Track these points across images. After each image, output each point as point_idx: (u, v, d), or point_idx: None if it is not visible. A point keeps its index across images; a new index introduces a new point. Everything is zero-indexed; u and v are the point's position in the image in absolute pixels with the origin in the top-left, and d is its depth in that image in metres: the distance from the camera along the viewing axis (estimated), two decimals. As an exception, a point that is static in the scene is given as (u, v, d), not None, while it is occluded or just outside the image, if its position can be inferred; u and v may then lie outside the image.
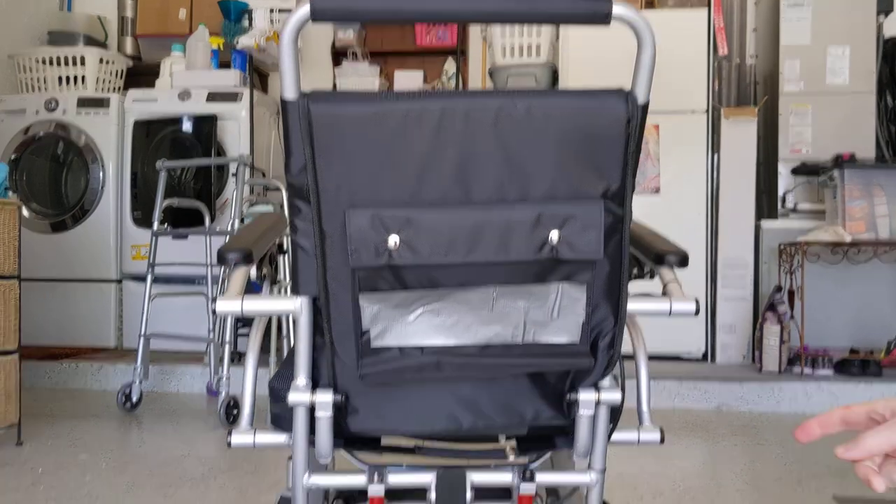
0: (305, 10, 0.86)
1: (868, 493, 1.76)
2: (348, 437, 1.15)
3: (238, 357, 3.83)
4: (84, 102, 4.65)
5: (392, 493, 1.11)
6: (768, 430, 3.34)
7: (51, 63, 4.83)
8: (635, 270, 1.18)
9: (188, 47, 4.71)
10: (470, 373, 1.00)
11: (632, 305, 1.04)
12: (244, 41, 4.38)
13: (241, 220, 3.70)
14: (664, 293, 1.07)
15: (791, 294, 4.05)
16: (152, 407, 3.67)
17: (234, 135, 4.44)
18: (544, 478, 1.11)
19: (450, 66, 5.32)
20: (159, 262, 3.65)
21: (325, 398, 1.02)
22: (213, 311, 0.98)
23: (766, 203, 4.57)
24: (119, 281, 4.64)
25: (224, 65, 4.76)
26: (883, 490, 0.65)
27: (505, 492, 1.22)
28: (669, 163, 4.23)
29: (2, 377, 2.88)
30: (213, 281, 3.67)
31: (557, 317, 1.00)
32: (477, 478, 1.10)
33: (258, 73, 5.21)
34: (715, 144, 4.28)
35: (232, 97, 4.48)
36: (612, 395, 1.04)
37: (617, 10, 0.88)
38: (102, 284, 4.64)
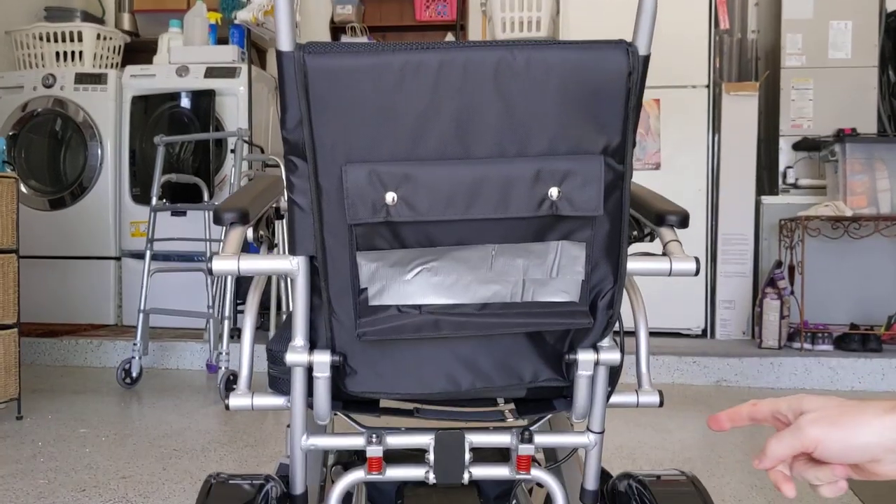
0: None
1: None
2: (346, 400, 1.14)
3: (237, 333, 3.83)
4: (82, 78, 4.63)
5: (390, 456, 1.11)
6: (768, 404, 3.34)
7: (48, 39, 4.80)
8: (635, 232, 1.17)
9: (186, 22, 4.68)
10: (468, 331, 0.99)
11: (632, 265, 1.03)
12: (242, 16, 4.35)
13: (240, 196, 3.68)
14: (664, 253, 1.06)
15: (791, 269, 4.04)
16: (152, 383, 3.68)
17: (233, 111, 4.42)
18: (543, 439, 1.11)
19: (449, 40, 5.28)
20: (158, 238, 3.64)
21: (322, 359, 1.02)
22: (210, 271, 0.97)
23: (767, 179, 4.56)
24: (118, 258, 4.64)
25: (222, 40, 4.73)
26: (793, 496, 0.67)
27: (503, 455, 1.22)
28: (670, 138, 4.20)
29: (1, 351, 2.88)
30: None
31: (556, 275, 0.99)
32: (475, 439, 1.09)
33: (256, 49, 5.18)
34: (716, 120, 4.26)
35: (230, 73, 4.46)
36: (610, 356, 1.03)
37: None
38: (102, 261, 4.64)
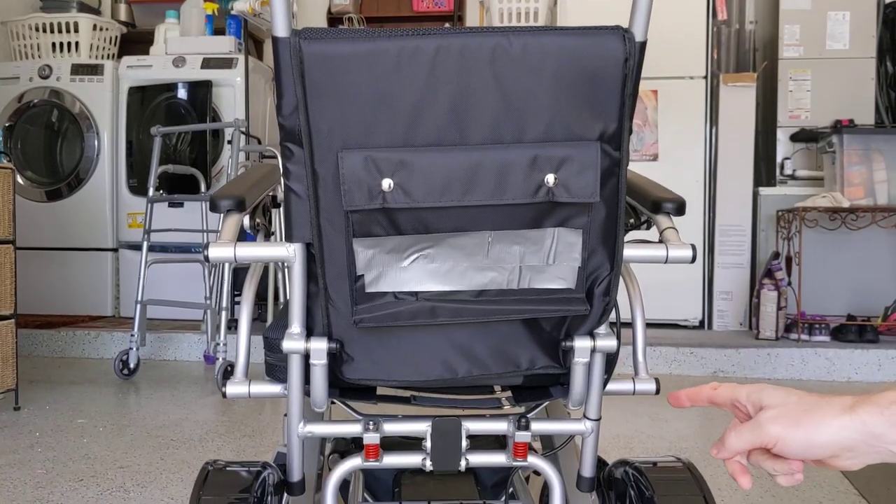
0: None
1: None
2: (343, 388, 1.14)
3: (235, 324, 3.83)
4: (78, 69, 4.61)
5: (387, 443, 1.11)
6: (764, 394, 3.35)
7: (44, 30, 4.79)
8: (632, 220, 1.17)
9: (182, 13, 4.67)
10: (465, 318, 0.99)
11: (628, 252, 1.03)
12: (239, 6, 4.33)
13: (237, 187, 3.68)
14: (660, 241, 1.06)
15: (788, 260, 4.05)
16: (149, 374, 3.68)
17: (230, 101, 4.41)
18: (539, 426, 1.11)
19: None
20: (155, 229, 3.64)
21: (319, 346, 1.02)
22: (206, 258, 0.97)
23: (765, 170, 4.56)
24: (115, 249, 4.63)
25: (219, 31, 4.72)
26: (748, 488, 0.69)
27: (500, 442, 1.22)
28: (667, 129, 4.20)
29: (-2, 342, 2.88)
30: (210, 247, 3.66)
31: (553, 262, 0.99)
32: (472, 426, 1.09)
33: (253, 40, 5.16)
34: (713, 111, 4.26)
35: (227, 63, 4.44)
36: (607, 343, 1.03)
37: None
38: (99, 253, 4.63)
